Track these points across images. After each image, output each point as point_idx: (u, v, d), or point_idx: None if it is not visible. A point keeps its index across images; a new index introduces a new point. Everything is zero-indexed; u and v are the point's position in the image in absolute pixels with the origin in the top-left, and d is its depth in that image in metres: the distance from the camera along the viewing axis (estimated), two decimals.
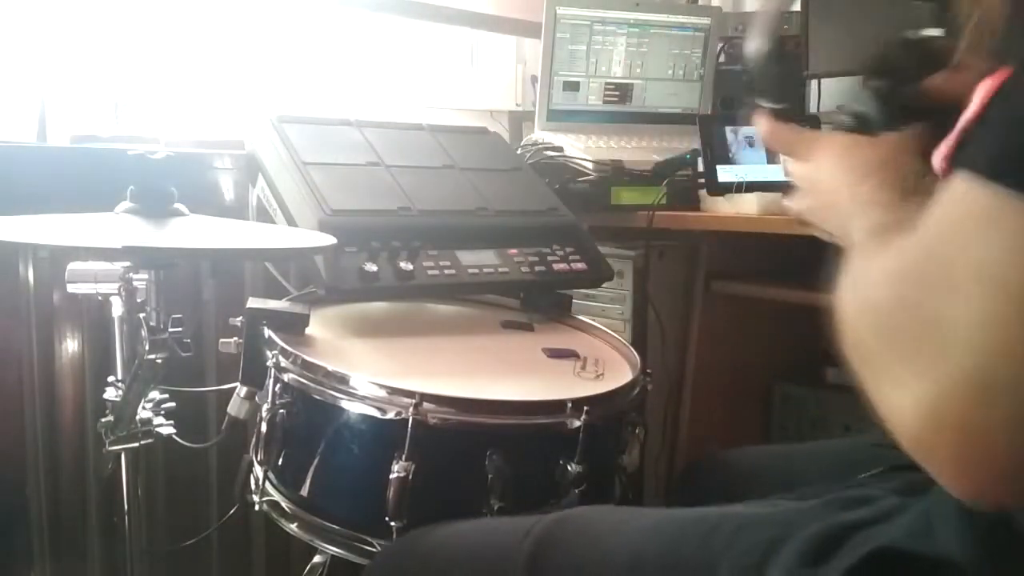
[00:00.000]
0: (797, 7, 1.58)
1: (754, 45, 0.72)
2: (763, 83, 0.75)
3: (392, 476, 0.77)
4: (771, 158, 1.41)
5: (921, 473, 0.40)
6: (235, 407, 0.96)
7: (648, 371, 0.95)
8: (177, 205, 0.95)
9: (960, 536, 0.47)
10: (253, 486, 0.91)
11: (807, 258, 1.45)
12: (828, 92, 1.68)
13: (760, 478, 0.87)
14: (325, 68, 1.74)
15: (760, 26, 0.72)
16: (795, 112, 0.72)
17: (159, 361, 0.91)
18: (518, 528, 0.67)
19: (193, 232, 0.91)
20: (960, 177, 0.37)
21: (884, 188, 0.55)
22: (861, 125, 0.66)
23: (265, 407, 0.88)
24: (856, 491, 0.60)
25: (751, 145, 1.40)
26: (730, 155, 1.39)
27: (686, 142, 1.56)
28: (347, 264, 1.02)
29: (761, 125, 0.73)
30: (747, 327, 1.47)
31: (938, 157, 0.49)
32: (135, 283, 0.94)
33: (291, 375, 0.87)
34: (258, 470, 0.90)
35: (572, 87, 1.63)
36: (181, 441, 1.04)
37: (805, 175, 0.67)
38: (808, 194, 0.67)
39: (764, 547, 0.54)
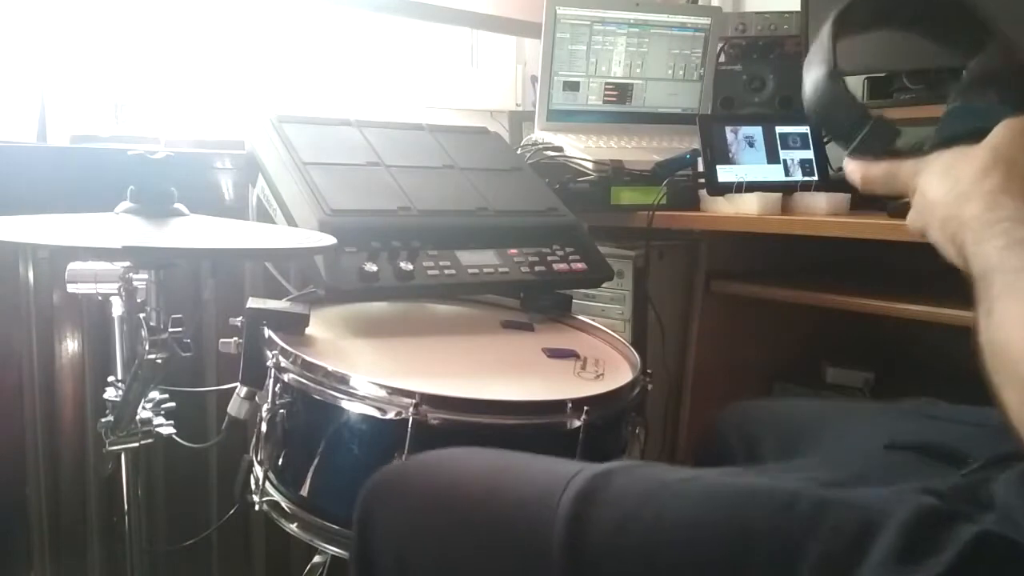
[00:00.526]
0: (797, 7, 1.58)
1: (812, 82, 0.64)
2: (831, 123, 0.68)
3: None
4: (771, 158, 1.41)
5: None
6: (235, 407, 0.96)
7: (648, 371, 0.95)
8: (177, 205, 0.95)
9: None
10: (253, 486, 0.91)
11: (807, 258, 1.46)
12: None
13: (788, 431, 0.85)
14: (325, 68, 1.74)
15: (818, 56, 0.65)
16: (877, 140, 0.63)
17: (159, 361, 0.91)
18: (554, 474, 0.62)
19: (193, 232, 0.91)
20: None
21: (1011, 180, 0.52)
22: (974, 135, 0.58)
23: (265, 407, 0.88)
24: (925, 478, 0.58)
25: (751, 145, 1.41)
26: (730, 155, 1.39)
27: (686, 142, 1.56)
28: (347, 264, 1.02)
29: (851, 175, 0.65)
30: (747, 327, 1.47)
31: None
32: (135, 283, 0.94)
33: (291, 375, 0.87)
34: (258, 470, 0.90)
35: (572, 87, 1.63)
36: (181, 441, 1.04)
37: (917, 205, 0.60)
38: (925, 216, 0.59)
39: (855, 533, 0.51)
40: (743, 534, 0.54)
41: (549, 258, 1.16)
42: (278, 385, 0.88)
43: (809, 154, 1.42)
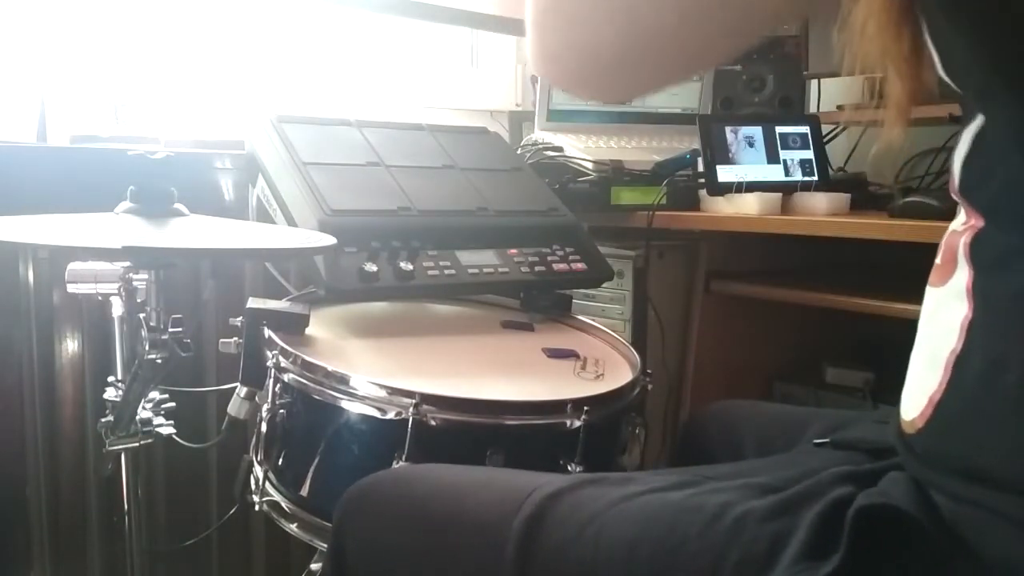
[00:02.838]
0: None
1: None
2: None
3: None
4: (771, 158, 1.41)
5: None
6: (235, 407, 0.96)
7: (648, 371, 0.95)
8: (177, 205, 0.95)
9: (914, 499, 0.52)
10: (253, 486, 0.91)
11: (807, 258, 1.45)
12: (828, 92, 1.68)
13: (762, 431, 0.87)
14: (325, 68, 1.74)
15: None
16: None
17: (159, 361, 0.91)
18: (511, 495, 0.65)
19: (193, 232, 0.91)
20: None
21: None
22: None
23: (265, 407, 0.88)
24: (842, 467, 0.60)
25: (751, 145, 1.41)
26: (730, 155, 1.39)
27: (686, 142, 1.56)
28: (347, 264, 1.02)
29: None
30: (747, 327, 1.47)
31: None
32: (135, 283, 0.94)
33: (291, 375, 0.87)
34: (258, 470, 0.90)
35: None
36: (181, 441, 1.04)
37: None
38: None
39: (770, 538, 0.54)
40: (674, 548, 0.57)
41: (549, 258, 1.16)
42: (278, 385, 0.88)
43: (809, 154, 1.42)
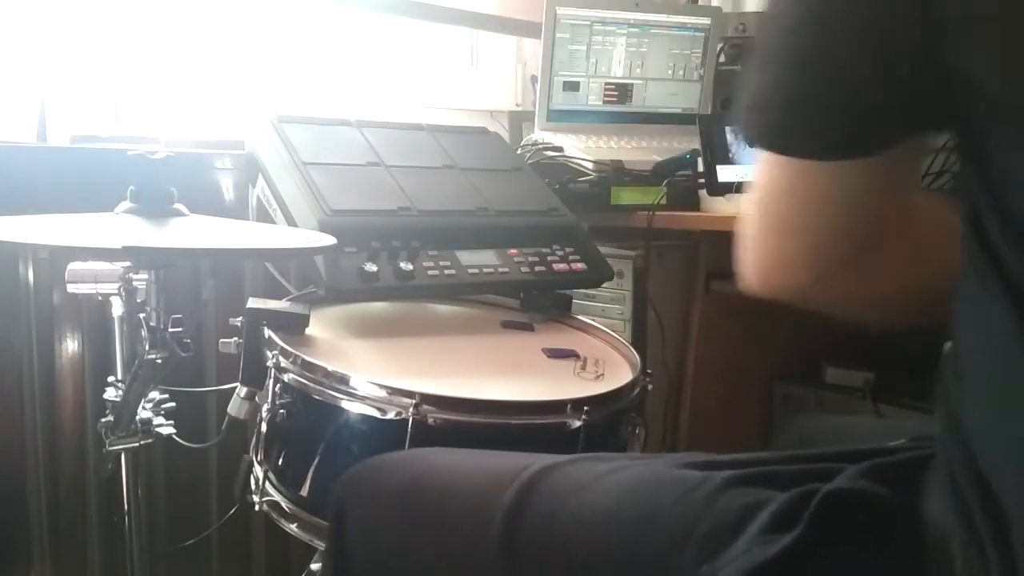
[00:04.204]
0: None
1: None
2: None
3: None
4: None
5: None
6: (235, 407, 0.96)
7: (648, 371, 0.95)
8: (177, 205, 0.95)
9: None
10: (253, 486, 0.91)
11: None
12: None
13: None
14: (325, 68, 1.74)
15: None
16: None
17: (159, 361, 0.91)
18: (507, 471, 0.67)
19: (193, 232, 0.91)
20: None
21: None
22: None
23: (265, 407, 0.88)
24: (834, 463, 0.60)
25: (751, 145, 1.40)
26: (730, 155, 1.39)
27: (686, 142, 1.56)
28: (347, 264, 1.02)
29: None
30: (747, 327, 1.47)
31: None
32: (135, 283, 0.94)
33: (291, 375, 0.87)
34: (258, 470, 0.90)
35: (572, 87, 1.63)
36: (181, 441, 1.04)
37: None
38: None
39: (740, 511, 0.55)
40: (649, 516, 0.59)
41: (549, 258, 1.15)
42: (278, 385, 0.88)
43: None
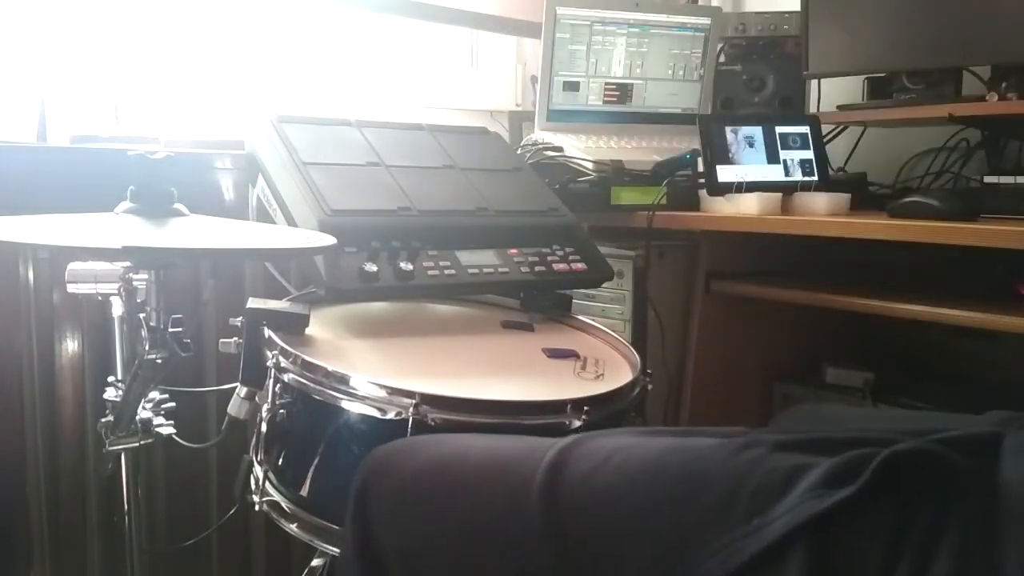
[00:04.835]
0: (797, 7, 1.58)
1: None
2: None
3: None
4: (771, 158, 1.41)
5: None
6: (235, 407, 0.96)
7: (648, 371, 0.95)
8: (177, 205, 0.95)
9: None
10: (253, 486, 0.91)
11: (807, 258, 1.45)
12: (828, 92, 1.68)
13: None
14: (325, 68, 1.74)
15: None
16: None
17: (159, 361, 0.91)
18: (537, 444, 0.67)
19: (193, 232, 0.91)
20: None
21: None
22: None
23: (265, 407, 0.88)
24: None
25: (751, 145, 1.41)
26: (730, 155, 1.39)
27: (686, 142, 1.56)
28: (347, 264, 1.02)
29: None
30: (747, 327, 1.47)
31: None
32: (135, 283, 0.94)
33: (291, 375, 0.87)
34: (258, 470, 0.90)
35: (572, 87, 1.63)
36: (181, 441, 1.04)
37: None
38: None
39: (789, 470, 0.55)
40: (698, 476, 0.59)
41: (549, 258, 1.16)
42: (278, 385, 0.88)
43: (809, 154, 1.42)
